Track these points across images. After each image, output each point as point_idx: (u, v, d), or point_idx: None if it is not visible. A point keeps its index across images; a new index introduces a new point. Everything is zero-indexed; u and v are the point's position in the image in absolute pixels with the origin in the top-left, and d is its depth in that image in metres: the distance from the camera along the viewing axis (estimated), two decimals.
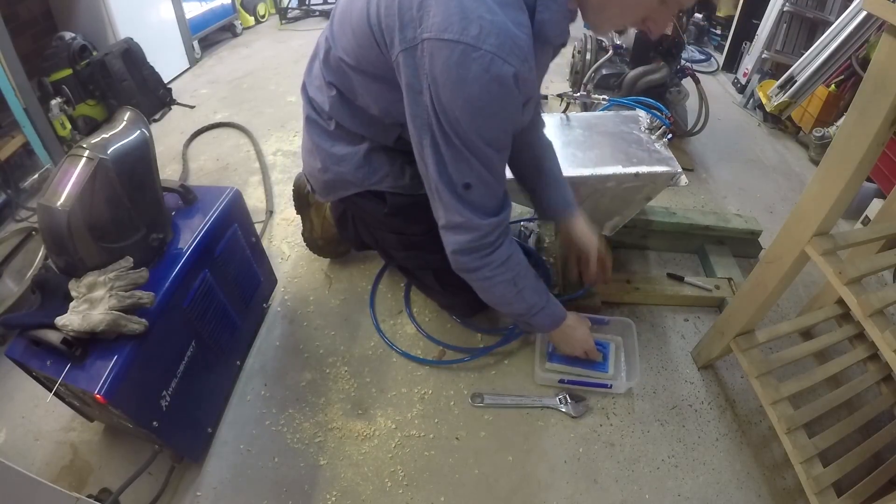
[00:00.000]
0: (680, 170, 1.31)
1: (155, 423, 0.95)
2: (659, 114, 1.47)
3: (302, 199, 1.48)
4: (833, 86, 2.22)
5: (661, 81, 2.01)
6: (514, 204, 1.86)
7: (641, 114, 1.53)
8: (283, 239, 1.72)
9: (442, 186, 0.91)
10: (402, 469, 1.14)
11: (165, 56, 2.62)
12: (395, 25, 0.80)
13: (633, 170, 1.27)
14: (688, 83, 2.12)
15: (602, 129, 1.46)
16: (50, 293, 0.94)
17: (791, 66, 2.28)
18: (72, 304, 0.90)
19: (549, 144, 1.25)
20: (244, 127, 2.29)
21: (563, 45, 0.95)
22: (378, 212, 1.18)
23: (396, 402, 1.26)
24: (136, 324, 0.89)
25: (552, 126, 1.43)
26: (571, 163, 1.31)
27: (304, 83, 1.13)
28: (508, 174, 1.12)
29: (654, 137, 1.43)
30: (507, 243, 1.02)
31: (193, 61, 2.91)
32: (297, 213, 1.54)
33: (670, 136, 1.42)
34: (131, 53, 2.27)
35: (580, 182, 1.28)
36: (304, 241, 1.57)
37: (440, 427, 1.22)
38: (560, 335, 1.23)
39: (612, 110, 1.65)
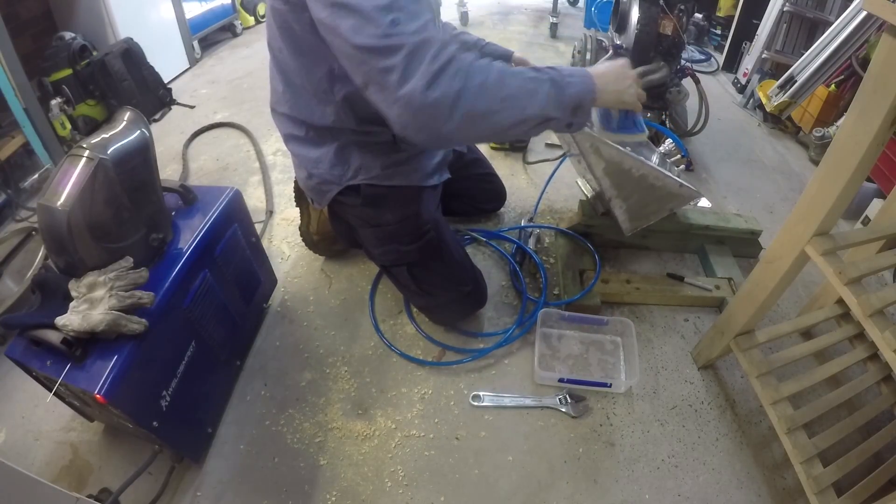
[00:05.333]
0: (703, 195, 1.44)
1: (155, 423, 0.95)
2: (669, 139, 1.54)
3: (301, 192, 1.49)
4: (833, 86, 2.22)
5: (661, 81, 2.01)
6: (512, 205, 1.90)
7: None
8: (283, 239, 1.73)
9: (369, 44, 0.81)
10: (402, 469, 1.14)
11: (165, 56, 2.62)
12: None
13: (678, 180, 1.33)
14: (688, 83, 2.11)
15: (631, 147, 1.49)
16: (50, 293, 0.94)
17: (791, 66, 2.28)
18: (72, 304, 0.90)
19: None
20: (244, 127, 2.29)
21: None
22: (355, 205, 1.23)
23: (396, 402, 1.27)
24: (136, 324, 0.89)
25: None
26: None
27: (271, 102, 1.20)
28: None
29: (669, 162, 1.48)
30: (463, 53, 0.88)
31: (193, 61, 2.91)
32: (297, 206, 1.55)
33: (689, 166, 1.45)
34: (131, 53, 2.27)
35: (647, 170, 1.30)
36: (301, 235, 1.57)
37: (440, 427, 1.22)
38: (604, 80, 1.01)
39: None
